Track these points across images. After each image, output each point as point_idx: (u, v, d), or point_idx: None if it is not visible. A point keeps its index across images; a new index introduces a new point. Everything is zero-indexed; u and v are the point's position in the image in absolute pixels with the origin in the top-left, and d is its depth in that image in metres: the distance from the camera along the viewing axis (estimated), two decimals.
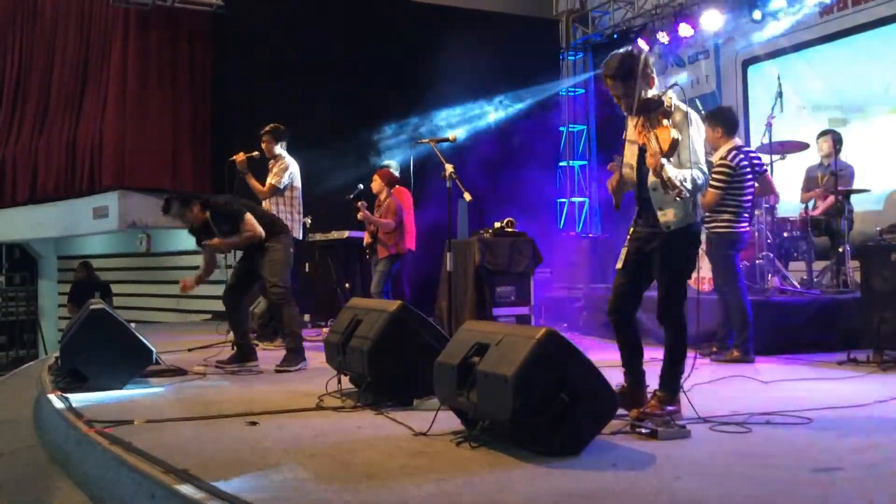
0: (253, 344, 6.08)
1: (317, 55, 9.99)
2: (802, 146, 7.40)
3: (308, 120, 9.06)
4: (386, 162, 7.99)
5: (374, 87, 10.16)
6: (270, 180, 7.06)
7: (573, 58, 12.17)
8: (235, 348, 5.89)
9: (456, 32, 10.04)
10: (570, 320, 8.38)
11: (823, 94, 8.80)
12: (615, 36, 11.14)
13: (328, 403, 4.28)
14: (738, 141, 6.04)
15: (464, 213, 9.19)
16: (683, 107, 3.84)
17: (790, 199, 7.71)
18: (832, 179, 7.01)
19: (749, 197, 5.91)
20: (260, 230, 5.83)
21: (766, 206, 6.74)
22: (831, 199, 7.12)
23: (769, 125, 6.91)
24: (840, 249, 6.94)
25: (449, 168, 5.92)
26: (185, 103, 10.14)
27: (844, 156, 7.39)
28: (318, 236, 8.61)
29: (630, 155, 3.95)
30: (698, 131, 3.83)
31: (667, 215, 3.83)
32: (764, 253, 6.76)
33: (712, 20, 9.38)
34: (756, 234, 6.76)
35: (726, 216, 5.84)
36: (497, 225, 7.60)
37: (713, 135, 5.88)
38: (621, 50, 3.91)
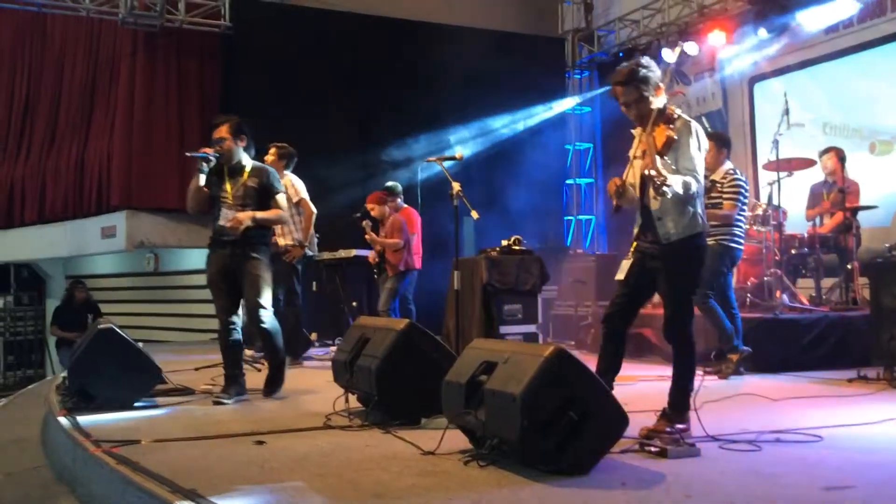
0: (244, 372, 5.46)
1: (324, 75, 10.06)
2: (809, 163, 7.42)
3: (316, 139, 9.10)
4: (389, 185, 8.01)
5: (381, 106, 10.24)
6: (294, 199, 7.05)
7: (579, 76, 12.24)
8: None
9: (462, 51, 10.11)
10: (578, 338, 8.36)
11: (830, 112, 8.81)
12: (621, 55, 11.19)
13: (336, 422, 4.27)
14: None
15: (470, 231, 9.21)
16: (686, 117, 3.88)
17: (797, 216, 7.70)
18: (839, 196, 7.01)
19: (744, 216, 6.08)
20: (287, 217, 5.49)
21: (774, 223, 6.74)
22: (839, 215, 7.12)
23: (776, 142, 6.93)
24: (848, 266, 6.92)
25: (456, 186, 5.94)
26: (193, 124, 10.20)
27: (850, 173, 7.40)
28: (326, 255, 8.63)
29: (633, 172, 3.95)
30: (699, 142, 3.83)
31: (666, 225, 3.82)
32: (772, 270, 6.75)
33: (718, 38, 9.42)
34: (764, 250, 6.76)
35: (723, 231, 5.87)
36: (504, 243, 7.59)
37: (718, 155, 5.97)
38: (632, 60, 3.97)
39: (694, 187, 3.75)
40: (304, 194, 7.16)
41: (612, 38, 11.65)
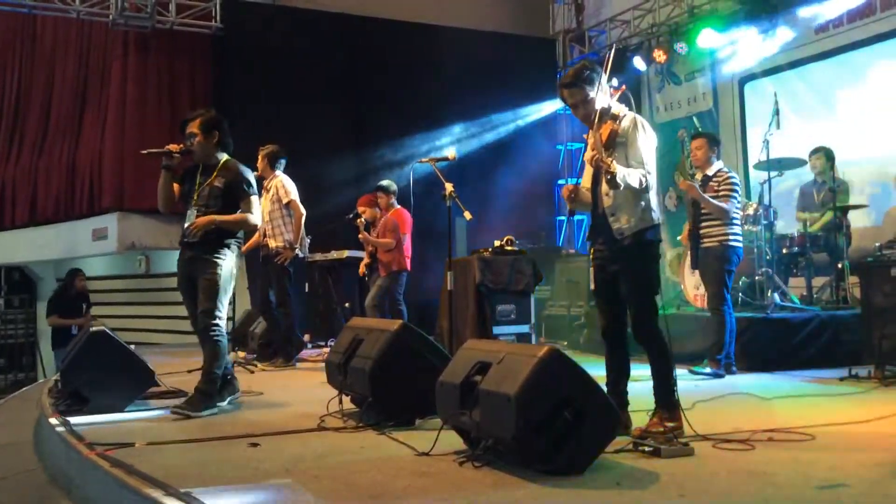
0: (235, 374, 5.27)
1: (315, 76, 10.06)
2: (800, 163, 7.46)
3: (307, 140, 9.11)
4: (384, 182, 8.01)
5: (373, 106, 10.24)
6: (284, 199, 7.06)
7: None
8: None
9: (454, 52, 10.13)
10: (571, 338, 8.38)
11: (820, 111, 8.85)
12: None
13: (330, 424, 4.27)
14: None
15: (463, 231, 9.22)
16: (632, 113, 3.95)
17: (787, 216, 7.74)
18: (829, 195, 7.05)
19: (738, 214, 6.12)
20: (256, 220, 4.97)
21: (765, 222, 6.78)
22: (829, 214, 7.15)
23: (766, 142, 6.96)
24: (839, 265, 6.96)
25: (448, 187, 5.94)
26: None
27: (840, 172, 7.45)
28: (318, 256, 8.63)
29: (587, 177, 4.02)
30: (646, 136, 3.89)
31: (620, 221, 3.87)
32: (763, 269, 6.79)
33: (708, 39, 9.45)
34: (755, 250, 6.79)
35: (719, 231, 5.90)
36: (497, 243, 7.61)
37: (708, 152, 6.10)
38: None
39: (645, 180, 3.80)
40: (295, 195, 7.13)
41: (603, 39, 11.67)
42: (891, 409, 4.38)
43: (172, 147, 4.97)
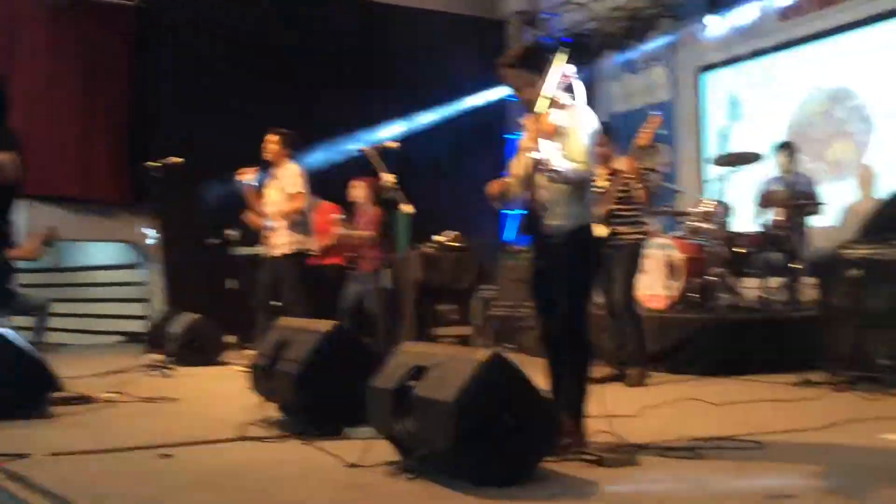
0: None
1: (247, 52, 9.90)
2: (755, 157, 7.55)
3: (243, 123, 8.93)
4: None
5: (310, 87, 10.09)
6: (291, 189, 6.90)
7: None
8: None
9: (396, 32, 10.09)
10: (518, 341, 8.41)
11: (782, 104, 9.04)
12: (566, 39, 11.29)
13: (252, 433, 4.21)
14: None
15: (403, 225, 9.17)
16: (578, 103, 3.89)
17: (744, 214, 7.89)
18: (789, 192, 7.20)
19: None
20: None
21: (719, 220, 6.90)
22: (787, 212, 7.31)
23: (724, 136, 7.08)
24: (796, 265, 7.11)
25: (388, 178, 5.91)
26: (100, 106, 9.92)
27: (804, 168, 7.63)
28: (246, 250, 8.51)
29: (519, 164, 3.94)
30: (587, 127, 3.84)
31: (555, 215, 3.83)
32: (716, 269, 6.91)
33: (667, 26, 9.58)
34: (708, 249, 6.91)
35: (639, 229, 6.00)
36: (439, 239, 7.61)
37: (607, 149, 5.98)
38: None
39: (584, 174, 3.78)
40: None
41: (557, 22, 11.74)
42: (842, 415, 4.51)
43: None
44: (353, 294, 7.48)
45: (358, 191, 7.74)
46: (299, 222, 6.94)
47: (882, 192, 7.55)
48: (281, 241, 6.90)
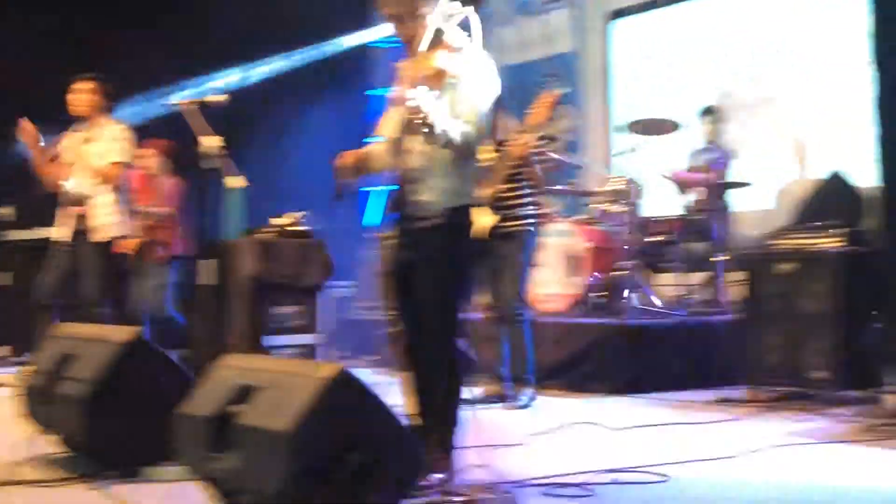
0: None
1: None
2: (674, 126, 7.84)
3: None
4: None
5: (104, 16, 9.82)
6: (115, 158, 6.70)
7: None
8: None
9: None
10: (381, 351, 8.48)
11: (705, 60, 9.43)
12: None
13: (24, 475, 4.13)
14: None
15: (232, 204, 9.10)
16: (473, 47, 3.87)
17: (657, 196, 8.19)
18: (706, 168, 7.56)
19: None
20: None
21: (624, 202, 7.15)
22: (706, 192, 7.66)
23: (633, 100, 7.37)
24: (718, 258, 7.47)
25: (214, 141, 5.84)
26: None
27: (728, 139, 8.00)
28: (23, 234, 8.29)
29: (389, 123, 3.92)
30: (480, 76, 3.83)
31: (427, 192, 3.79)
32: (627, 263, 7.16)
33: None
34: (614, 237, 7.17)
35: (522, 208, 6.15)
36: (280, 222, 7.60)
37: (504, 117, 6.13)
38: None
39: (471, 137, 3.72)
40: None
41: None
42: (763, 441, 4.80)
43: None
44: (151, 291, 7.41)
45: (149, 160, 7.66)
46: (117, 200, 6.83)
47: (820, 169, 7.80)
48: (94, 224, 6.76)
